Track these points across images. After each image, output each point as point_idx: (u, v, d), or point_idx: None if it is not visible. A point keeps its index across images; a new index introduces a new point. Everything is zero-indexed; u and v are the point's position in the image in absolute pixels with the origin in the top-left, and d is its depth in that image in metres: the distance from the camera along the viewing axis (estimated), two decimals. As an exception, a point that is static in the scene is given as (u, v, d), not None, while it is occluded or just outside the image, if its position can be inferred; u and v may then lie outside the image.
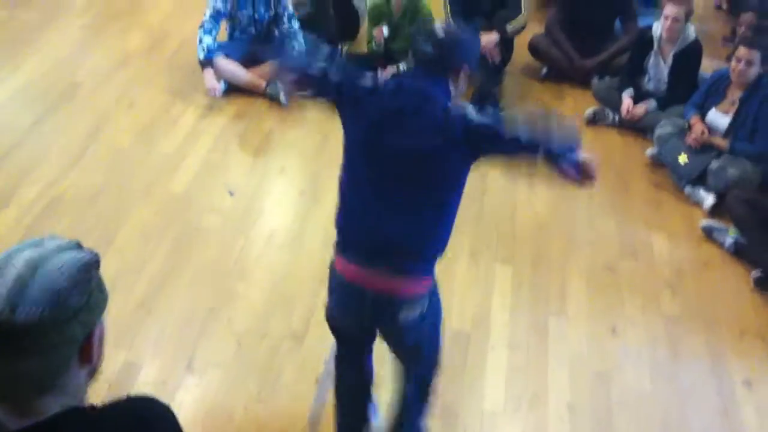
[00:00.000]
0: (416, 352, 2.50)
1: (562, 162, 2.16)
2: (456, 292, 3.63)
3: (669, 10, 4.62)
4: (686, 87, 4.74)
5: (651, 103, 4.84)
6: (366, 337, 2.55)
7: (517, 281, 3.74)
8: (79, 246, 1.19)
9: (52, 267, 1.11)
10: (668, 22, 4.63)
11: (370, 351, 2.65)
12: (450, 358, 3.25)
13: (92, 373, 1.22)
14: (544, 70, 5.49)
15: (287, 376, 3.14)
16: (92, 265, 1.17)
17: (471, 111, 2.18)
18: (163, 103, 4.80)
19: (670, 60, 4.78)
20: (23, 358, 1.09)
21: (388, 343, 2.50)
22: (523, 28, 5.14)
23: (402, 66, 5.00)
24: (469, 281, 3.71)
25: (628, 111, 4.83)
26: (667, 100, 4.82)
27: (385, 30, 4.97)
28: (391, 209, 2.20)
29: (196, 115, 4.72)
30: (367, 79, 2.30)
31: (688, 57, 4.75)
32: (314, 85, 2.40)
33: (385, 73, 5.02)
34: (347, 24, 5.59)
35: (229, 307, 3.43)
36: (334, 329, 2.51)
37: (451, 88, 2.26)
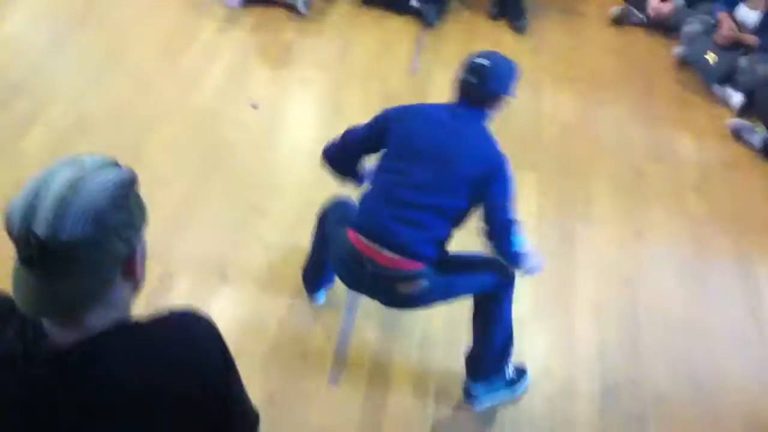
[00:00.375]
0: (446, 297, 2.60)
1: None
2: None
3: None
4: None
5: (678, 0, 4.71)
6: None
7: (543, 188, 3.75)
8: (116, 163, 1.20)
9: (92, 186, 1.12)
10: None
11: None
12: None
13: (136, 287, 1.25)
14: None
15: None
16: (131, 182, 1.19)
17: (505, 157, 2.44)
18: (183, 17, 4.74)
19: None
20: (68, 276, 1.11)
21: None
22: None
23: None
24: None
25: (654, 9, 4.71)
26: (695, -4, 4.70)
27: None
28: (411, 209, 2.41)
29: (215, 28, 4.67)
30: (412, 106, 2.59)
31: None
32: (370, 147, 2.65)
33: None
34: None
35: (259, 220, 3.48)
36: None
37: (489, 112, 2.53)
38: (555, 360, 3.01)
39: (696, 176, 3.89)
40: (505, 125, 4.08)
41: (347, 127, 2.70)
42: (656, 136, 4.11)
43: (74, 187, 1.11)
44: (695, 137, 4.12)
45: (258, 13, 4.83)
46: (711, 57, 4.32)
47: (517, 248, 2.44)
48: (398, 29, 4.80)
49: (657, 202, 3.72)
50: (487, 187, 2.41)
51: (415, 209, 2.41)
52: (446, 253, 2.55)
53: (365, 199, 2.53)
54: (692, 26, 4.45)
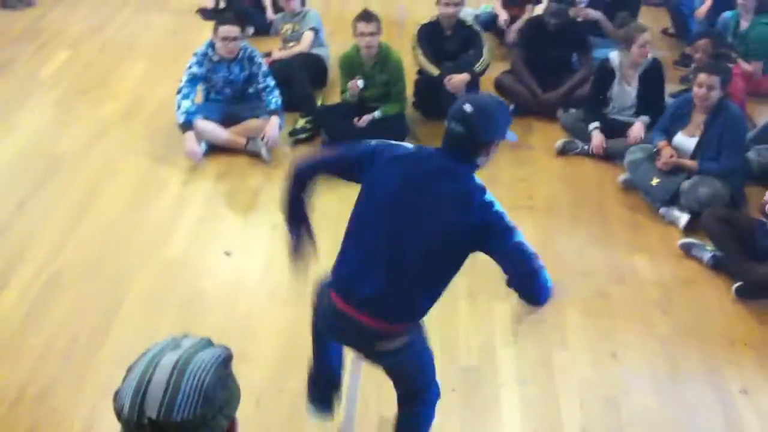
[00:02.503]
0: (399, 375, 2.68)
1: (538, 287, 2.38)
2: (460, 332, 3.75)
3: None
4: (656, 104, 5.07)
5: (645, 118, 5.09)
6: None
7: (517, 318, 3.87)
8: (210, 342, 1.30)
9: (196, 367, 1.20)
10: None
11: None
12: (464, 396, 3.38)
13: None
14: (511, 107, 5.70)
15: (309, 429, 3.20)
16: (229, 360, 1.28)
17: (498, 206, 2.33)
18: (148, 169, 4.87)
19: (635, 82, 5.06)
20: None
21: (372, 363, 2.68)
22: (487, 66, 5.37)
23: (377, 113, 5.14)
24: (470, 321, 3.84)
25: (596, 147, 5.08)
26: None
27: (360, 83, 5.11)
28: (389, 273, 2.36)
29: (182, 179, 4.80)
30: (395, 147, 2.46)
31: (654, 73, 5.09)
32: (336, 172, 2.63)
33: (361, 122, 5.15)
34: (315, 74, 5.74)
35: (242, 368, 3.46)
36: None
37: (480, 160, 2.39)
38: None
39: (658, 295, 4.08)
40: (472, 255, 4.27)
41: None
42: (615, 258, 4.32)
43: (180, 369, 1.20)
44: (651, 257, 4.34)
45: (223, 161, 5.00)
46: (655, 181, 4.62)
47: (546, 293, 2.39)
48: (359, 170, 5.00)
49: (625, 323, 3.88)
50: (484, 245, 2.32)
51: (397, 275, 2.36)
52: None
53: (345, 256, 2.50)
54: (635, 154, 4.79)
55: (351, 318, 2.44)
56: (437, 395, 2.76)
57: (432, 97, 5.35)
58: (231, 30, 4.87)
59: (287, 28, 5.90)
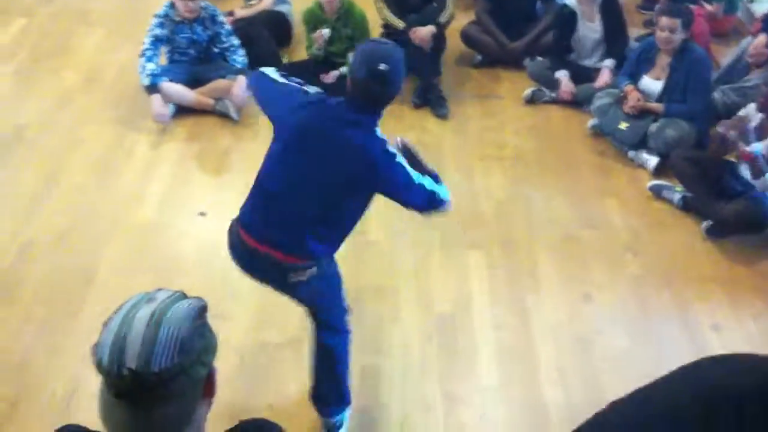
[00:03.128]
0: (311, 304, 2.86)
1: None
2: (436, 281, 3.81)
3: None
4: (620, 35, 5.14)
5: (610, 62, 5.11)
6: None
7: (490, 264, 3.93)
8: (184, 295, 1.32)
9: (172, 318, 1.23)
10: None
11: None
12: (440, 344, 3.45)
13: (210, 404, 1.35)
14: (478, 58, 5.70)
15: (294, 383, 3.25)
16: (204, 310, 1.30)
17: (399, 157, 2.55)
18: (115, 136, 4.81)
19: (598, 18, 5.09)
20: (160, 405, 1.22)
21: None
22: (452, 18, 5.35)
23: (344, 69, 5.11)
24: (445, 270, 3.88)
25: (564, 92, 5.11)
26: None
27: (326, 32, 5.07)
28: (289, 211, 2.59)
29: (150, 143, 4.76)
30: (303, 94, 2.62)
31: (611, 3, 5.10)
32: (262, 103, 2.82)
33: (329, 77, 5.12)
34: (279, 32, 5.68)
35: (223, 326, 3.48)
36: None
37: (382, 112, 2.56)
38: (526, 427, 3.12)
39: (628, 237, 4.15)
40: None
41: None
42: (586, 204, 4.38)
43: (157, 321, 1.22)
44: (621, 201, 4.41)
45: (191, 123, 4.95)
46: (623, 125, 4.67)
47: (441, 206, 2.70)
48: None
49: (598, 265, 3.95)
50: (379, 186, 2.55)
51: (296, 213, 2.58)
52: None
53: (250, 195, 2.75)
54: (602, 100, 4.82)
55: (258, 252, 2.65)
56: (347, 323, 2.94)
57: (399, 50, 5.31)
58: (186, -6, 4.80)
59: (248, -15, 5.82)
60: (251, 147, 4.77)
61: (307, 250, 2.63)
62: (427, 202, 2.64)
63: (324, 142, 2.51)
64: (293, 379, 3.26)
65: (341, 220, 2.66)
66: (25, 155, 4.63)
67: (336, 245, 2.74)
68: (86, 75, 5.44)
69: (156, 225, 4.15)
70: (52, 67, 5.52)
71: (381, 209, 4.17)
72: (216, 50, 5.06)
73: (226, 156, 4.71)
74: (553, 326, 3.59)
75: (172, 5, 4.88)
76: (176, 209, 4.27)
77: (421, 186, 2.58)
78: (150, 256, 3.94)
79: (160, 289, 1.30)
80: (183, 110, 4.99)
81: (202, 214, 4.22)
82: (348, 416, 3.07)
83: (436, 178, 2.71)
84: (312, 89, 2.66)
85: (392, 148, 2.55)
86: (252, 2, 5.77)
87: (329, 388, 2.99)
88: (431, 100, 5.16)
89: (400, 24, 5.21)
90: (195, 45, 5.01)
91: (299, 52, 5.57)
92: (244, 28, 5.33)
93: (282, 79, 2.74)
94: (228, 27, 5.03)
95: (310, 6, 5.18)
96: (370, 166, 2.49)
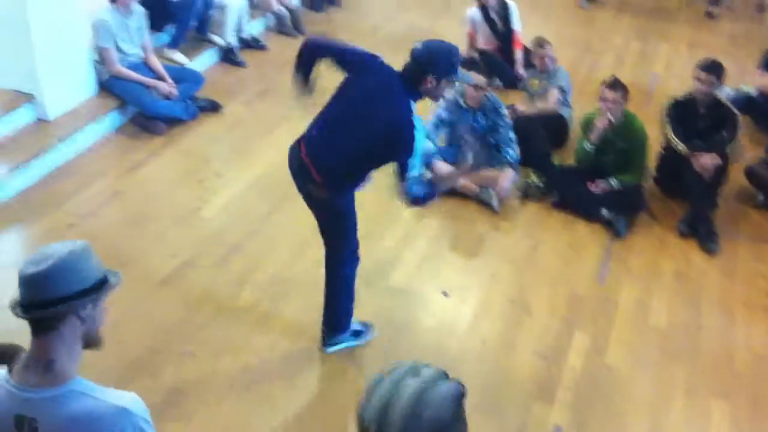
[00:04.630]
0: (322, 226, 3.63)
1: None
2: (674, 422, 3.58)
3: None
4: None
5: None
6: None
7: (736, 420, 3.62)
8: (447, 375, 1.38)
9: (435, 398, 1.29)
10: None
11: None
12: None
13: None
14: (761, 198, 5.35)
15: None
16: (463, 396, 1.35)
17: (417, 130, 3.19)
18: (383, 201, 5.07)
19: None
20: None
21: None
22: (740, 151, 5.10)
23: (614, 181, 5.04)
24: (684, 414, 3.64)
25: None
26: None
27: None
28: (329, 141, 3.35)
29: (414, 214, 4.99)
30: (372, 59, 3.42)
31: None
32: (337, 62, 3.50)
33: (597, 187, 5.07)
34: (556, 134, 5.76)
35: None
36: None
37: (422, 89, 3.28)
38: None
39: None
40: (693, 345, 4.06)
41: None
42: None
43: (420, 399, 1.29)
44: None
45: (452, 204, 5.13)
46: None
47: (418, 194, 3.31)
48: (587, 235, 4.94)
49: None
50: (391, 147, 3.21)
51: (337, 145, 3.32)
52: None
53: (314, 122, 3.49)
54: None
55: (304, 163, 3.41)
56: (351, 261, 3.70)
57: (675, 174, 5.17)
58: (478, 79, 5.04)
59: (535, 83, 5.98)
60: (505, 240, 4.86)
61: (334, 177, 3.36)
62: (405, 176, 3.23)
63: (370, 100, 3.28)
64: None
65: (355, 165, 3.38)
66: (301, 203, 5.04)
67: (354, 186, 3.50)
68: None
69: (402, 292, 4.33)
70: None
71: (625, 334, 4.07)
72: (491, 140, 5.24)
73: (480, 243, 4.82)
74: None
75: (461, 92, 5.16)
76: (423, 282, 4.44)
77: (413, 164, 3.20)
78: (394, 317, 4.11)
79: (428, 365, 1.36)
80: (449, 190, 5.19)
81: (445, 294, 4.34)
82: (346, 345, 3.82)
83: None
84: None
85: (417, 120, 3.22)
86: (536, 100, 5.92)
87: (328, 313, 3.75)
88: (701, 232, 4.92)
89: (683, 148, 5.06)
90: (473, 132, 5.23)
91: (571, 157, 5.59)
92: (523, 124, 5.48)
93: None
94: (508, 120, 5.20)
95: (590, 113, 5.22)
96: (393, 125, 3.21)
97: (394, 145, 3.20)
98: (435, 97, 3.44)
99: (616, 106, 4.97)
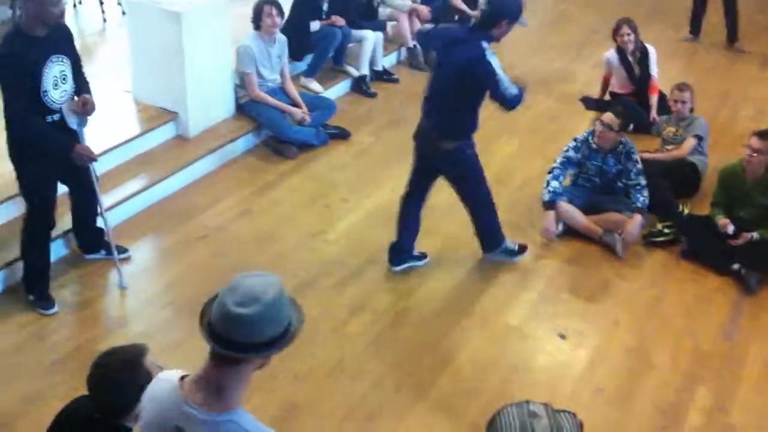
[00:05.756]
0: (455, 179, 4.45)
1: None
2: None
3: None
4: None
5: None
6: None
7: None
8: (561, 411, 1.36)
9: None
10: None
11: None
12: None
13: None
14: None
15: None
16: (582, 426, 1.34)
17: (492, 66, 3.97)
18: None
19: None
20: None
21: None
22: None
23: (756, 235, 4.78)
24: None
25: None
26: None
27: (730, 228, 4.81)
28: (434, 103, 4.29)
29: (533, 254, 4.92)
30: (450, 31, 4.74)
31: None
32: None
33: (738, 239, 4.82)
34: (685, 181, 5.56)
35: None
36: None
37: (493, 32, 4.08)
38: None
39: None
40: None
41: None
42: None
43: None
44: None
45: (574, 246, 5.04)
46: None
47: (515, 102, 4.10)
48: (716, 289, 4.72)
49: None
50: (479, 82, 4.03)
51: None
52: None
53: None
54: None
55: (423, 125, 4.37)
56: (487, 201, 4.51)
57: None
58: (610, 118, 4.96)
59: (670, 130, 5.80)
60: (628, 287, 4.71)
61: (442, 126, 4.23)
62: (508, 100, 4.05)
63: (449, 58, 4.12)
64: None
65: (459, 111, 4.19)
66: (424, 231, 5.06)
67: (460, 129, 4.27)
68: (494, 177, 5.82)
69: (518, 331, 4.28)
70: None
71: (751, 395, 3.85)
72: (620, 185, 5.12)
73: (603, 288, 4.69)
74: None
75: (592, 132, 5.09)
76: (540, 323, 4.36)
77: (504, 87, 3.99)
78: (505, 358, 4.07)
79: (543, 404, 1.36)
80: (571, 232, 5.11)
81: (562, 336, 4.25)
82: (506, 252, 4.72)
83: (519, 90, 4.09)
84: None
85: (491, 58, 3.95)
86: (669, 147, 5.75)
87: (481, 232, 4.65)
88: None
89: (828, 206, 4.78)
90: (602, 174, 5.13)
91: (702, 206, 5.36)
92: (648, 170, 5.30)
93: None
94: (639, 166, 5.06)
95: (731, 164, 5.01)
96: (472, 67, 3.98)
97: (479, 76, 3.98)
98: (498, 39, 4.16)
99: (760, 157, 4.76)
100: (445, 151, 4.24)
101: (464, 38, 4.11)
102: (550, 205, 5.02)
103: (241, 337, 1.76)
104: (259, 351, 1.78)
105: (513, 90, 4.02)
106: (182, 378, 1.88)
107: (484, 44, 3.99)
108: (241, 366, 1.81)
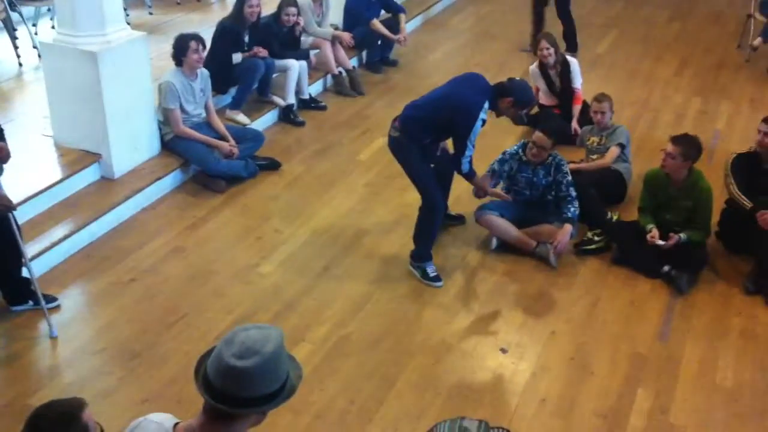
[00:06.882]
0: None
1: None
2: None
3: None
4: None
5: None
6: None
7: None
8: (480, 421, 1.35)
9: None
10: None
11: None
12: None
13: None
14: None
15: None
16: None
17: (478, 121, 4.50)
18: (440, 259, 5.06)
19: None
20: None
21: None
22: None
23: (684, 236, 4.88)
24: None
25: None
26: None
27: (659, 242, 4.89)
28: (417, 105, 4.87)
29: (468, 272, 4.95)
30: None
31: None
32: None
33: (664, 243, 4.91)
34: (612, 189, 5.68)
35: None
36: None
37: (498, 102, 4.60)
38: None
39: None
40: (762, 405, 3.89)
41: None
42: None
43: None
44: None
45: (509, 260, 5.09)
46: None
47: (465, 169, 4.69)
48: (648, 292, 4.82)
49: None
50: (454, 121, 4.51)
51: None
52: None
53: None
54: None
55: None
56: (433, 205, 4.80)
57: (739, 230, 5.04)
58: (542, 139, 5.02)
59: (594, 140, 5.93)
60: (563, 296, 4.77)
61: (403, 123, 4.73)
62: (463, 154, 4.60)
63: (462, 82, 4.74)
64: None
65: (427, 129, 4.69)
66: (360, 257, 5.07)
67: (415, 139, 4.71)
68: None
69: (459, 351, 4.27)
70: (397, 185, 5.97)
71: (689, 394, 3.92)
72: (550, 197, 5.20)
73: (538, 300, 4.74)
74: None
75: (524, 146, 5.16)
76: (480, 339, 4.38)
77: (469, 144, 4.55)
78: (448, 379, 4.05)
79: (479, 420, 1.35)
80: (505, 246, 5.16)
81: (504, 350, 4.27)
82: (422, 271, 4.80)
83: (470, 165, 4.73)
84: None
85: (483, 113, 4.45)
86: (594, 157, 5.87)
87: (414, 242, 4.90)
88: (767, 288, 4.77)
89: (747, 204, 4.93)
90: (533, 187, 5.20)
91: (629, 212, 5.48)
92: (576, 180, 5.39)
93: None
94: (569, 178, 5.13)
95: (655, 169, 5.11)
96: (466, 108, 4.47)
97: (460, 119, 4.44)
98: (499, 114, 4.70)
99: (675, 162, 4.87)
100: (392, 137, 4.77)
101: (478, 81, 4.68)
102: (472, 173, 4.92)
103: (238, 391, 1.71)
104: (255, 406, 1.73)
105: (470, 152, 4.60)
106: (175, 425, 1.82)
107: (486, 104, 4.51)
108: (237, 421, 1.76)
